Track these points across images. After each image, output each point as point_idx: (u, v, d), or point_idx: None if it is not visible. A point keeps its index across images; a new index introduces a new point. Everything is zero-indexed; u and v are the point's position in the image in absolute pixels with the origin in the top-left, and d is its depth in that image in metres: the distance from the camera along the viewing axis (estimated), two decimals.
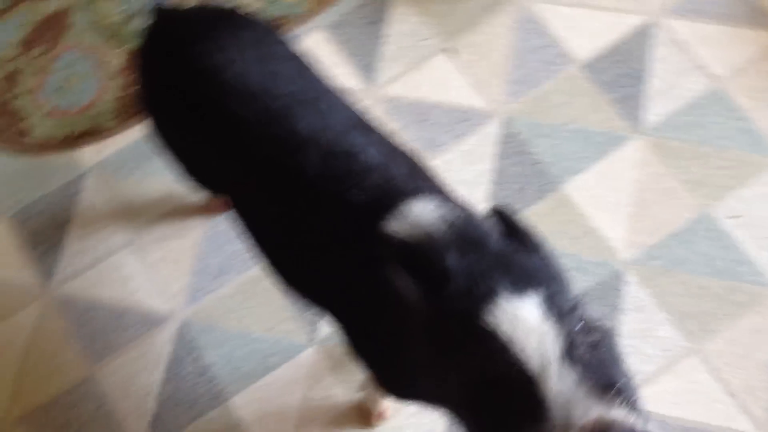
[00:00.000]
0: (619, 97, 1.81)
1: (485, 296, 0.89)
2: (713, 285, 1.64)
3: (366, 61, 1.90)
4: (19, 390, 1.71)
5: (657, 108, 1.79)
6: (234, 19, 1.25)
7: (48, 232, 1.85)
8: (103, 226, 1.84)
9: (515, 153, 1.79)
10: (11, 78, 1.98)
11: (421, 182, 1.11)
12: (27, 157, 1.92)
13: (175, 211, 1.84)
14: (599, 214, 1.73)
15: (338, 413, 1.63)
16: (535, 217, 1.73)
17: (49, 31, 2.03)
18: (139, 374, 1.71)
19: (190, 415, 1.67)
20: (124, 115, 1.94)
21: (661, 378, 1.58)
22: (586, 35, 1.87)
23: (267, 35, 1.25)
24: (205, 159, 1.27)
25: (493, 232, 1.00)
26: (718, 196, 1.70)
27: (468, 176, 1.78)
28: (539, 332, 0.85)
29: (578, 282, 1.68)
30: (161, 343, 1.72)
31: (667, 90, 1.80)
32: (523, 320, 0.86)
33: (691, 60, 1.83)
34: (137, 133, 1.91)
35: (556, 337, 0.85)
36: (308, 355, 1.68)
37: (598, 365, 0.86)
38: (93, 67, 2.00)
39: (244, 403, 1.66)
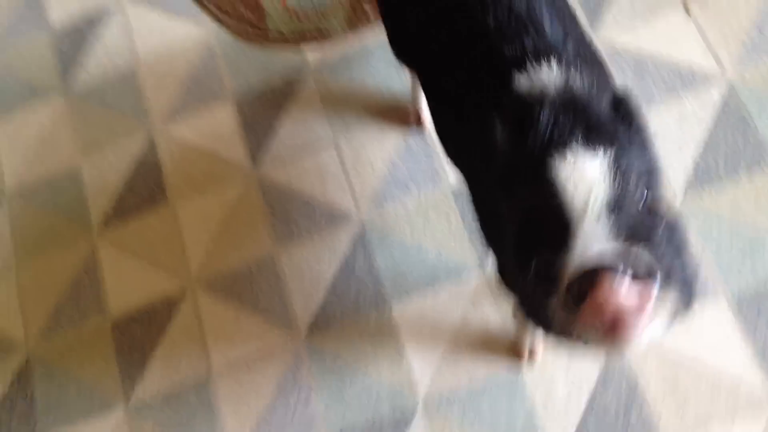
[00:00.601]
0: None
1: (558, 145, 0.98)
2: None
3: (593, 4, 1.88)
4: (210, 256, 1.92)
5: None
6: None
7: (264, 118, 2.03)
8: (313, 122, 1.99)
9: (736, 120, 1.70)
10: None
11: (580, 61, 1.16)
12: (259, 47, 2.11)
13: (379, 119, 1.95)
14: None
15: (492, 340, 1.68)
16: (742, 190, 1.65)
17: None
18: (317, 263, 1.84)
19: (352, 309, 1.79)
20: (353, 24, 2.06)
21: None
22: None
23: None
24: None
25: (604, 105, 1.07)
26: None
27: (677, 136, 1.72)
28: (592, 181, 0.93)
29: (763, 258, 1.59)
30: (341, 239, 1.85)
31: None
32: (580, 168, 0.94)
33: None
34: (362, 42, 2.04)
35: (607, 189, 0.92)
36: (474, 279, 1.74)
37: (644, 224, 0.91)
38: None
39: (403, 311, 1.76)
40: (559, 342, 1.01)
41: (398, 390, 1.69)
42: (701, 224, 1.66)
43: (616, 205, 0.91)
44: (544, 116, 1.03)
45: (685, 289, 0.93)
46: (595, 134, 0.99)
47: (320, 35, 2.07)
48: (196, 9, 2.18)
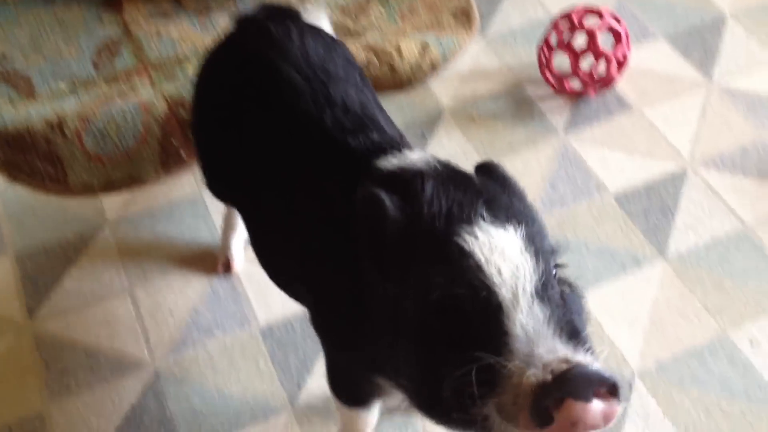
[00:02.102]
0: (647, 226, 1.96)
1: (465, 218, 0.92)
2: (727, 405, 1.65)
3: None
4: None
5: (683, 240, 1.93)
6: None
7: (48, 271, 1.96)
8: (106, 273, 1.95)
9: None
10: (59, 124, 2.22)
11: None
12: (60, 199, 2.11)
13: (183, 268, 1.96)
14: (613, 323, 1.79)
15: None
16: None
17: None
18: (97, 416, 1.71)
19: None
20: (168, 166, 2.12)
21: None
22: (620, 172, 2.08)
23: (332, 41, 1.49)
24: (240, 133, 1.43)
25: (477, 178, 1.07)
26: (738, 323, 1.78)
27: None
28: (516, 262, 0.88)
29: None
30: (129, 389, 1.75)
31: (695, 226, 1.96)
32: (501, 246, 0.89)
33: (722, 204, 2.01)
34: (169, 192, 2.12)
35: (532, 271, 0.88)
36: (283, 418, 1.69)
37: (568, 312, 0.90)
38: (138, 115, 2.21)
39: None
40: None
41: None
42: None
43: (543, 291, 0.88)
44: (429, 188, 0.98)
45: None
46: (497, 208, 0.94)
47: (132, 182, 2.12)
48: None
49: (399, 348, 0.98)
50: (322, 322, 1.28)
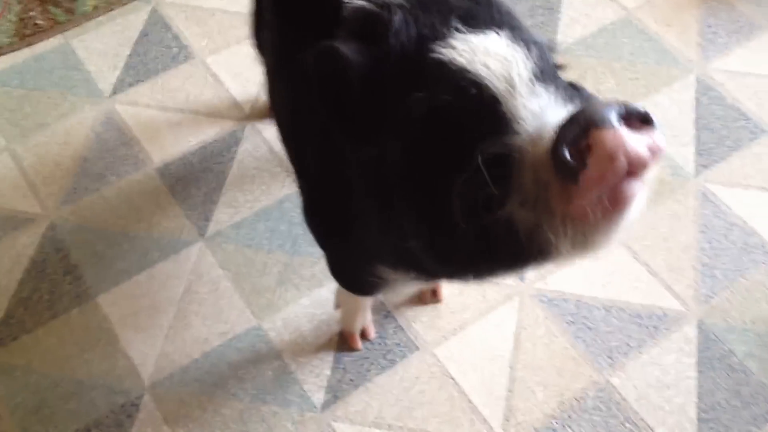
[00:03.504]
0: (534, 24, 1.99)
1: (438, 36, 0.81)
2: None
3: None
4: None
5: (570, 32, 1.98)
6: None
7: None
8: None
9: None
10: None
11: None
12: None
13: (61, 120, 1.87)
14: None
15: (223, 306, 1.59)
16: None
17: None
18: None
19: (48, 314, 1.59)
20: (24, 36, 2.01)
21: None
22: None
23: None
24: None
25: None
26: (632, 102, 1.85)
27: None
28: (504, 54, 0.77)
29: None
30: (25, 243, 1.67)
31: (580, 18, 2.01)
32: (483, 46, 0.78)
33: None
34: (34, 48, 2.00)
35: (525, 58, 0.77)
36: (195, 250, 1.65)
37: (582, 95, 0.80)
38: None
39: (113, 300, 1.60)
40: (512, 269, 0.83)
41: (117, 385, 1.51)
42: None
43: (543, 75, 0.77)
44: (397, 20, 0.84)
45: None
46: (475, 21, 0.83)
47: None
48: None
49: (395, 213, 0.87)
50: (311, 213, 1.17)
